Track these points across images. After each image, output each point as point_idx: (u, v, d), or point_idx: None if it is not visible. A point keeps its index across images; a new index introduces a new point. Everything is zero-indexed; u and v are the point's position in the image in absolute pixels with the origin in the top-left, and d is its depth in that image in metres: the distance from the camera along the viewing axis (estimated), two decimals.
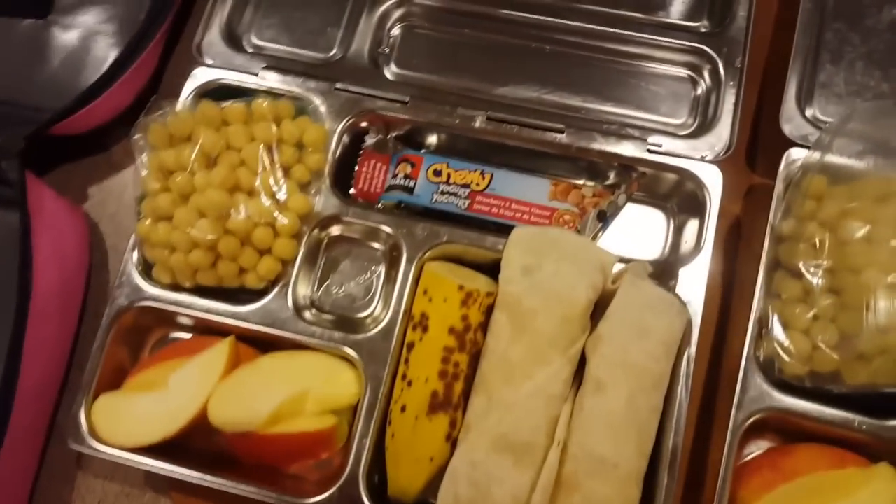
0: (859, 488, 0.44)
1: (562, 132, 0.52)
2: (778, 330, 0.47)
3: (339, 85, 0.55)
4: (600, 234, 0.53)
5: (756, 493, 0.45)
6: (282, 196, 0.48)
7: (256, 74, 0.55)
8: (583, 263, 0.47)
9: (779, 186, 0.49)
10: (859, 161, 0.47)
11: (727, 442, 0.45)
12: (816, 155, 0.48)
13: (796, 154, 0.49)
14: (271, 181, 0.48)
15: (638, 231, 0.53)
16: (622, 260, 0.49)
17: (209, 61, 0.56)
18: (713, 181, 0.50)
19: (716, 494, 0.45)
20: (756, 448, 0.49)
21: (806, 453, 0.46)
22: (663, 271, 0.50)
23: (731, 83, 0.53)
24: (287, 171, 0.49)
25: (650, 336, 0.45)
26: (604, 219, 0.52)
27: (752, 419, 0.46)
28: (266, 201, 0.48)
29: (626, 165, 0.52)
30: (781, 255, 0.48)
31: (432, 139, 0.56)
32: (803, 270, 0.46)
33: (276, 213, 0.48)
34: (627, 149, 0.52)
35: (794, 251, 0.47)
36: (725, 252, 0.53)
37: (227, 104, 0.51)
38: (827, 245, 0.46)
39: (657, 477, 0.45)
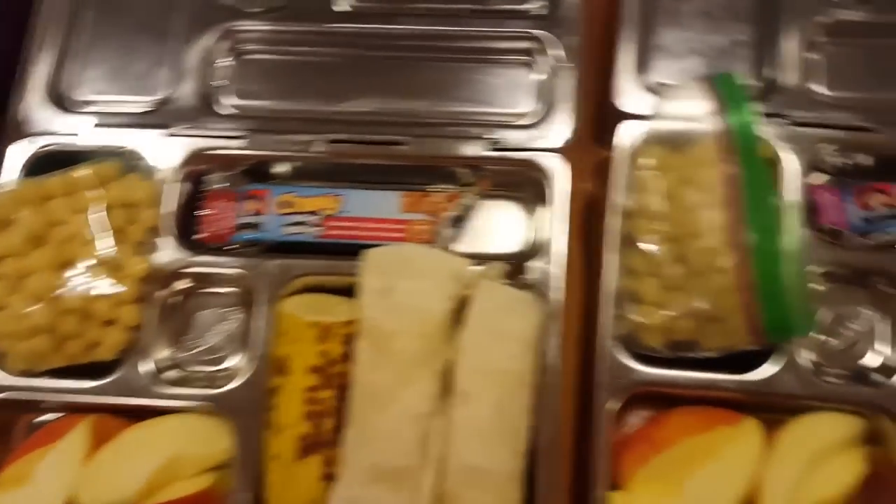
0: (727, 447, 0.46)
1: (403, 143, 0.53)
2: (632, 304, 0.48)
3: (171, 130, 0.54)
4: (458, 238, 0.53)
5: (632, 468, 0.47)
6: (117, 262, 0.48)
7: (80, 135, 0.54)
8: (436, 276, 0.48)
9: (617, 161, 0.50)
10: (694, 127, 0.49)
11: (595, 424, 0.47)
12: (652, 125, 0.50)
13: (630, 127, 0.51)
14: (103, 249, 0.48)
15: (498, 227, 0.54)
16: (482, 259, 0.50)
17: (35, 129, 0.55)
18: (556, 168, 0.51)
19: (592, 478, 0.46)
20: (639, 422, 0.51)
21: (676, 421, 0.48)
22: (523, 264, 0.51)
23: (570, 64, 0.54)
24: (120, 235, 0.49)
25: (508, 338, 0.47)
26: (457, 223, 0.53)
27: (621, 396, 0.48)
28: (100, 271, 0.47)
29: (474, 165, 0.53)
30: (627, 230, 0.49)
31: (279, 169, 0.56)
32: (648, 242, 0.48)
33: (112, 282, 0.47)
34: (470, 149, 0.52)
35: (637, 224, 0.48)
36: (586, 234, 0.54)
37: (50, 176, 0.50)
38: (669, 214, 0.48)
39: (538, 472, 0.47)
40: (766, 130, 0.50)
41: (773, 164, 0.50)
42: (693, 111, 0.47)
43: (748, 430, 0.46)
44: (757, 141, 0.46)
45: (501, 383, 0.46)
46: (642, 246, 0.48)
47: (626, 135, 0.50)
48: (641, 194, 0.48)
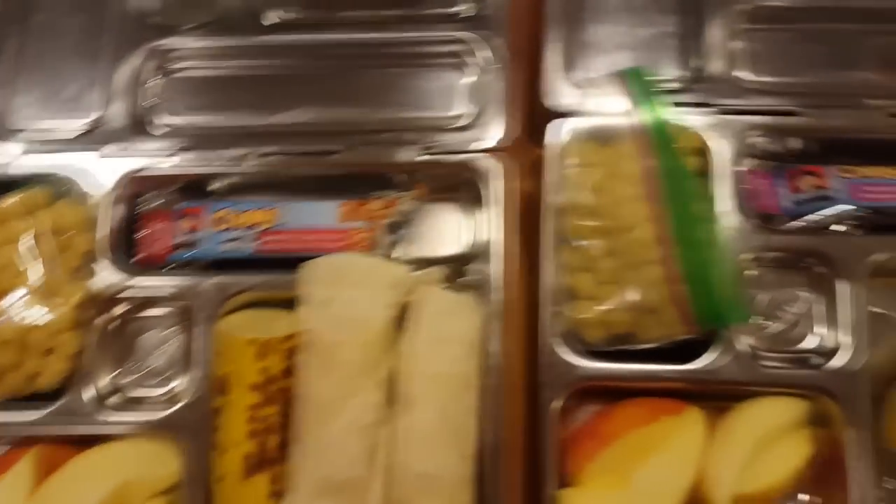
0: (672, 437, 0.47)
1: (338, 152, 0.53)
2: (571, 300, 0.49)
3: (104, 152, 0.54)
4: (399, 244, 0.53)
5: (581, 464, 0.47)
6: (52, 289, 0.48)
7: (11, 162, 0.53)
8: (375, 285, 0.48)
9: (548, 159, 0.50)
10: (617, 122, 0.49)
11: (542, 423, 0.48)
12: (579, 121, 0.50)
13: (560, 125, 0.51)
14: (37, 277, 0.47)
15: (438, 230, 0.55)
16: (423, 264, 0.50)
17: None
18: (491, 169, 0.52)
19: (541, 476, 0.47)
20: (588, 417, 0.51)
21: (621, 414, 0.49)
22: (464, 266, 0.51)
23: (499, 65, 0.54)
24: (54, 262, 0.49)
25: (450, 341, 0.47)
26: (397, 229, 0.53)
27: (566, 393, 0.48)
28: (35, 300, 0.47)
29: (410, 171, 0.53)
30: (562, 226, 0.50)
31: (215, 185, 0.55)
32: (581, 238, 0.49)
33: (48, 310, 0.47)
34: (405, 154, 0.52)
35: (571, 221, 0.49)
36: (526, 233, 0.54)
37: None
38: (599, 209, 0.48)
39: (489, 473, 0.47)
40: (684, 120, 0.51)
41: (702, 153, 0.51)
42: (614, 106, 0.47)
43: (691, 420, 0.47)
44: (670, 133, 0.46)
45: (446, 387, 0.46)
46: (576, 242, 0.49)
47: (556, 132, 0.51)
48: (573, 190, 0.49)
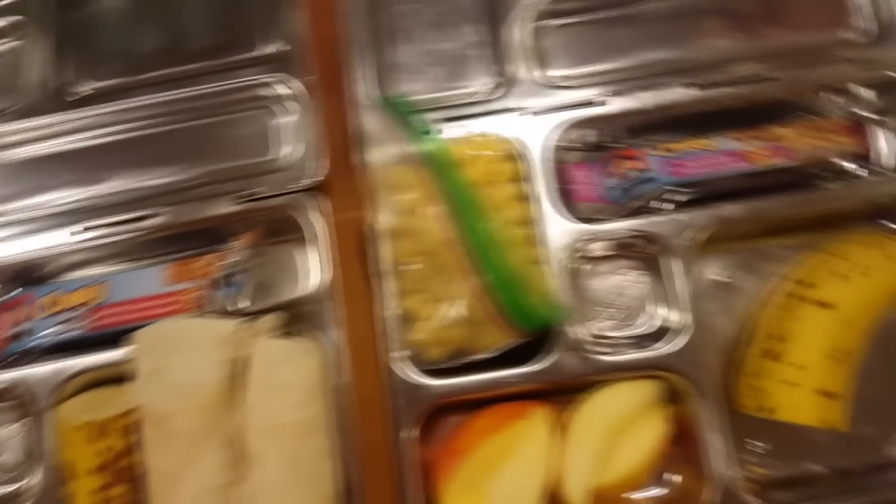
0: (522, 441, 0.48)
1: (156, 216, 0.53)
2: (407, 323, 0.49)
3: None
4: (234, 297, 0.53)
5: (442, 483, 0.48)
6: None
7: None
8: (204, 345, 0.48)
9: (368, 187, 0.51)
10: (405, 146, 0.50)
11: (400, 449, 0.48)
12: (389, 147, 0.51)
13: (375, 151, 0.51)
14: None
15: (276, 275, 0.55)
16: (263, 312, 0.50)
17: None
18: (310, 207, 0.52)
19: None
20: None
21: (474, 426, 0.49)
22: (300, 307, 0.51)
23: (309, 100, 0.55)
24: None
25: (288, 389, 0.47)
26: (225, 283, 0.53)
27: (420, 415, 0.49)
28: None
29: (233, 221, 0.53)
30: (386, 252, 0.50)
31: (43, 270, 0.55)
32: (407, 260, 0.49)
33: None
34: (223, 206, 0.53)
35: (394, 245, 0.50)
36: (362, 263, 0.55)
37: None
38: (417, 230, 0.49)
39: None
40: (447, 140, 0.52)
41: (517, 156, 0.53)
42: (395, 132, 0.48)
43: (538, 420, 0.48)
44: (443, 154, 0.47)
45: (291, 436, 0.46)
46: (403, 265, 0.49)
47: (371, 159, 0.51)
48: (390, 215, 0.50)
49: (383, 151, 0.49)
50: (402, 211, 0.49)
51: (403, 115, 0.47)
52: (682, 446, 0.50)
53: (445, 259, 0.47)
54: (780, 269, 0.53)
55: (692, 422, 0.48)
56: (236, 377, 0.47)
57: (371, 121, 0.49)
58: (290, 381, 0.47)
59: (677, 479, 0.50)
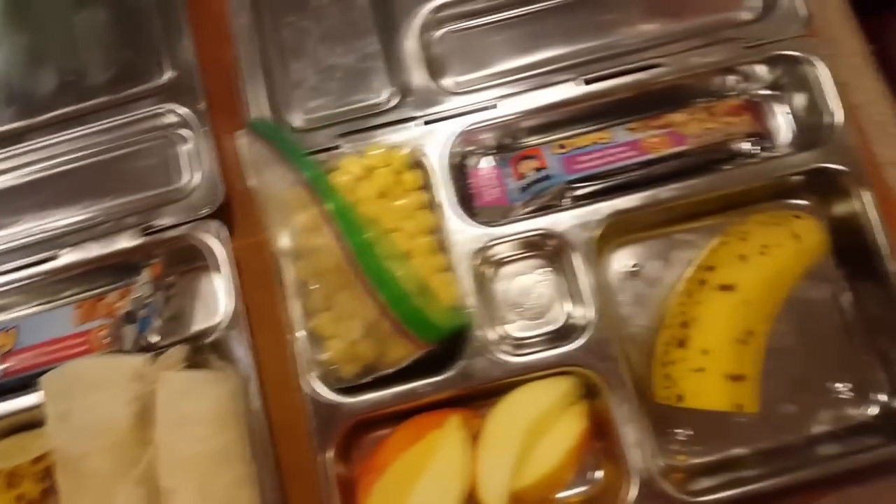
0: (437, 451, 0.48)
1: (56, 257, 0.53)
2: (316, 344, 0.50)
3: None
4: (147, 331, 0.53)
5: (362, 501, 0.48)
6: None
7: None
8: (112, 383, 0.48)
9: (265, 210, 0.51)
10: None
11: (319, 470, 0.49)
12: (274, 170, 0.51)
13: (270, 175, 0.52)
14: None
15: (192, 305, 0.55)
16: (175, 344, 0.51)
17: None
18: (215, 233, 0.53)
19: None
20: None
21: (392, 441, 0.50)
22: (216, 336, 0.52)
23: (204, 127, 0.55)
24: None
25: (196, 421, 0.48)
26: (134, 318, 0.53)
27: (339, 434, 0.49)
28: None
29: (141, 254, 0.54)
30: (290, 274, 0.51)
31: None
32: (312, 280, 0.50)
33: None
34: (125, 241, 0.53)
35: (296, 266, 0.50)
36: (272, 287, 0.55)
37: None
38: (318, 250, 0.49)
39: None
40: (392, 139, 0.53)
41: (419, 166, 0.53)
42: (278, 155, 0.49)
43: (452, 428, 0.49)
44: (314, 177, 0.48)
45: (202, 467, 0.47)
46: (311, 285, 0.50)
47: (262, 182, 0.51)
48: (291, 236, 0.50)
49: (272, 174, 0.49)
50: (298, 231, 0.49)
51: (273, 138, 0.48)
52: (603, 441, 0.51)
53: (345, 277, 0.48)
54: (690, 256, 0.54)
55: (609, 416, 0.49)
56: (147, 413, 0.48)
57: (254, 145, 0.49)
58: (197, 413, 0.47)
59: (599, 475, 0.51)
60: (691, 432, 0.52)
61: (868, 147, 0.55)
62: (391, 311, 0.45)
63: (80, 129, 0.56)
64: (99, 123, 0.56)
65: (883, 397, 0.52)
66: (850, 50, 0.58)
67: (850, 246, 0.53)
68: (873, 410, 0.52)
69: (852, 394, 0.52)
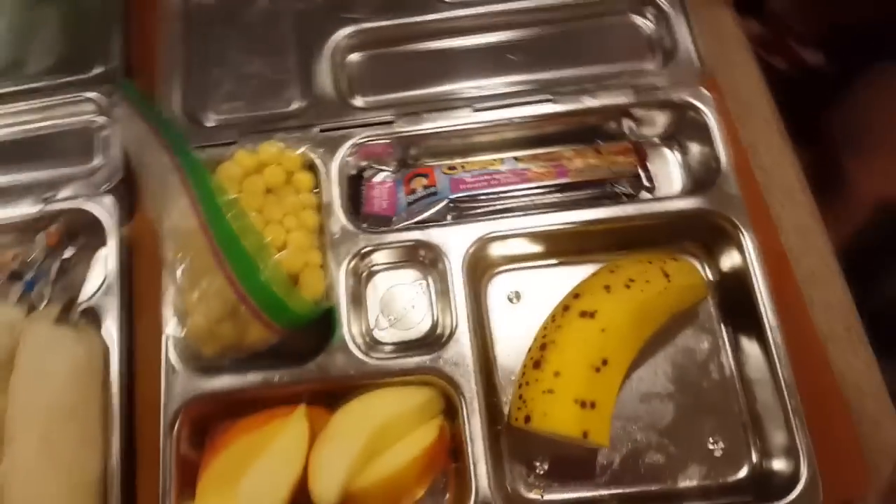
0: (278, 438, 0.49)
1: None
2: (182, 322, 0.52)
3: None
4: (35, 290, 0.56)
5: (200, 479, 0.49)
6: None
7: None
8: None
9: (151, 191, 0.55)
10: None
11: (163, 445, 0.50)
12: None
13: None
14: None
15: (79, 273, 0.58)
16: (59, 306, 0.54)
17: None
18: (100, 209, 0.57)
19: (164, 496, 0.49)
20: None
21: (239, 426, 0.51)
22: (95, 302, 0.55)
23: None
24: None
25: (51, 375, 0.50)
26: (20, 277, 0.56)
27: (189, 411, 0.51)
28: None
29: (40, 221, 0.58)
30: (169, 251, 0.53)
31: None
32: (186, 259, 0.52)
33: None
34: (27, 207, 0.57)
35: (171, 245, 0.53)
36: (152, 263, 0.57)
37: None
38: (189, 233, 0.52)
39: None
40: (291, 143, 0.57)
41: (314, 169, 0.57)
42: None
43: (297, 418, 0.50)
44: (194, 163, 0.52)
45: (46, 420, 0.49)
46: (183, 264, 0.53)
47: (147, 163, 0.54)
48: (171, 214, 0.53)
49: (151, 154, 0.53)
50: (175, 210, 0.52)
51: (145, 109, 0.52)
52: (457, 462, 0.51)
53: (210, 260, 0.50)
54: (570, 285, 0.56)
55: (461, 436, 0.50)
56: (10, 363, 0.50)
57: (132, 120, 0.53)
58: (52, 367, 0.50)
59: (448, 496, 0.51)
60: (547, 467, 0.52)
61: (757, 197, 0.57)
62: (244, 290, 0.48)
63: (14, 105, 0.62)
64: (27, 104, 0.62)
65: (754, 457, 0.52)
66: (745, 94, 0.62)
67: (734, 299, 0.54)
68: (743, 471, 0.52)
69: (723, 451, 0.52)
